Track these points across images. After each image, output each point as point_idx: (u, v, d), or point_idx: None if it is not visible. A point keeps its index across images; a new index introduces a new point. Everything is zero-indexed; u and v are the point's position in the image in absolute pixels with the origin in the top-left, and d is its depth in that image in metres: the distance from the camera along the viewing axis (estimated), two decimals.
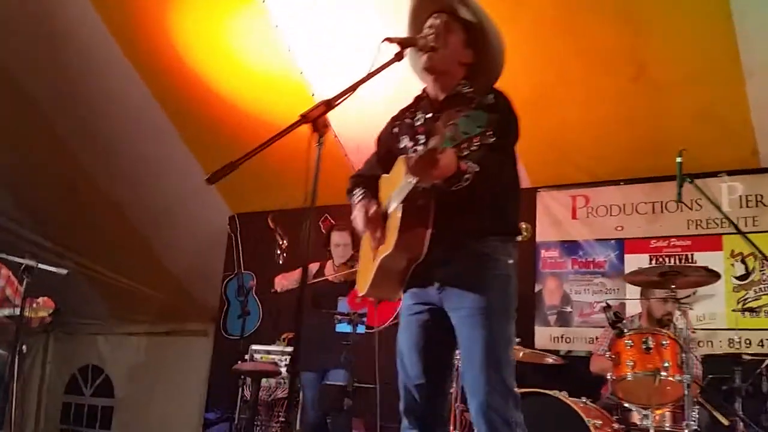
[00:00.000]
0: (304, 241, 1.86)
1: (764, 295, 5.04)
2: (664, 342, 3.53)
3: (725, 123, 5.12)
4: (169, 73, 5.84)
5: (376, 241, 2.36)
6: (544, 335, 5.57)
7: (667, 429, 3.67)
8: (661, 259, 5.36)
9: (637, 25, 4.84)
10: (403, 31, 2.46)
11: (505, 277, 2.29)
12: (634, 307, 5.15)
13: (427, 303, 2.35)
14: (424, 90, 2.51)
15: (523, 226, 6.02)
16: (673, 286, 3.66)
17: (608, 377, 3.68)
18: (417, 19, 2.45)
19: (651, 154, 5.46)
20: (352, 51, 4.96)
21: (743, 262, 5.18)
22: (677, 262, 5.29)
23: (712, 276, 3.86)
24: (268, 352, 5.53)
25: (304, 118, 1.91)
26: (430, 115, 2.38)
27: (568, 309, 5.60)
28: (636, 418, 3.69)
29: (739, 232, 4.28)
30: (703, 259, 5.21)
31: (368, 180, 2.56)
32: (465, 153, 1.88)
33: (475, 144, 1.85)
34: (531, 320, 5.58)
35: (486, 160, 2.06)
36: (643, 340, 3.56)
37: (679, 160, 3.98)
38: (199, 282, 7.46)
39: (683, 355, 3.48)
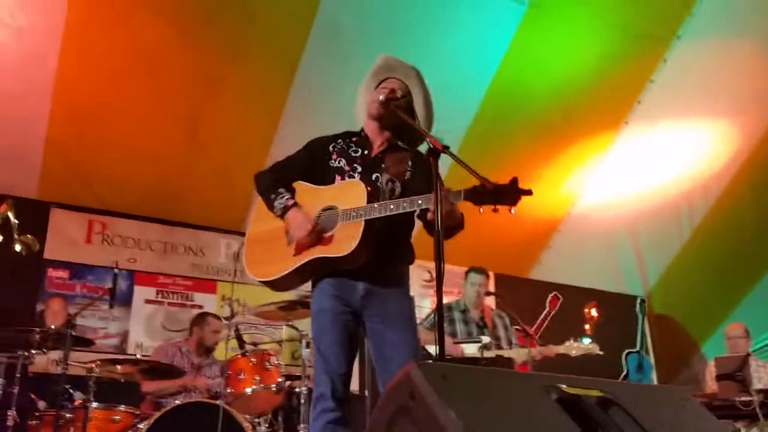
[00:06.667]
0: None
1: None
2: None
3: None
4: None
5: (305, 239, 2.64)
6: (42, 360, 5.21)
7: None
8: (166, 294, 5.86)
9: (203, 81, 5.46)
10: None
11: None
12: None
13: (349, 305, 2.68)
14: (362, 129, 2.92)
15: (29, 238, 5.72)
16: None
17: None
18: (376, 77, 2.92)
19: (168, 200, 6.01)
20: None
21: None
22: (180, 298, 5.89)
23: None
24: None
25: None
26: (366, 152, 2.84)
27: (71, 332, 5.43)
28: None
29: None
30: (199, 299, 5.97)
31: (287, 180, 2.81)
32: None
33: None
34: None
35: None
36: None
37: None
38: None
39: None
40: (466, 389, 1.43)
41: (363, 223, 2.57)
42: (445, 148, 2.38)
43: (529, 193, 2.38)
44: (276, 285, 2.79)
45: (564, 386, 1.51)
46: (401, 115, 2.71)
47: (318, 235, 2.65)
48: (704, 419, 1.61)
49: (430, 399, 1.39)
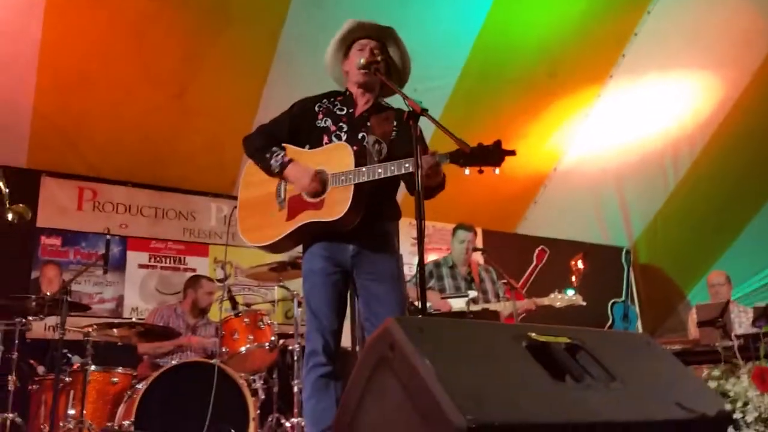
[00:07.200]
0: None
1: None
2: None
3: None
4: None
5: (310, 185, 2.71)
6: (39, 326, 5.31)
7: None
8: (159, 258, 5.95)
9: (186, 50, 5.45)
10: None
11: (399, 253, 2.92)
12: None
13: (339, 265, 2.77)
14: (347, 89, 2.95)
15: (21, 206, 5.76)
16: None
17: None
18: (347, 38, 2.91)
19: (157, 166, 6.04)
20: None
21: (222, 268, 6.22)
22: (173, 262, 5.99)
23: None
24: None
25: None
26: (351, 110, 2.89)
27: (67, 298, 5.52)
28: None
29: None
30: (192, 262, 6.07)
31: (275, 141, 2.86)
32: None
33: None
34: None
35: None
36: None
37: None
38: None
39: None
40: (441, 340, 1.52)
41: (353, 187, 2.65)
42: (424, 111, 2.45)
43: (512, 153, 2.46)
44: (271, 249, 2.88)
45: (533, 334, 1.60)
46: (382, 79, 2.78)
47: (322, 180, 2.72)
48: (666, 361, 1.71)
49: (407, 349, 1.48)
